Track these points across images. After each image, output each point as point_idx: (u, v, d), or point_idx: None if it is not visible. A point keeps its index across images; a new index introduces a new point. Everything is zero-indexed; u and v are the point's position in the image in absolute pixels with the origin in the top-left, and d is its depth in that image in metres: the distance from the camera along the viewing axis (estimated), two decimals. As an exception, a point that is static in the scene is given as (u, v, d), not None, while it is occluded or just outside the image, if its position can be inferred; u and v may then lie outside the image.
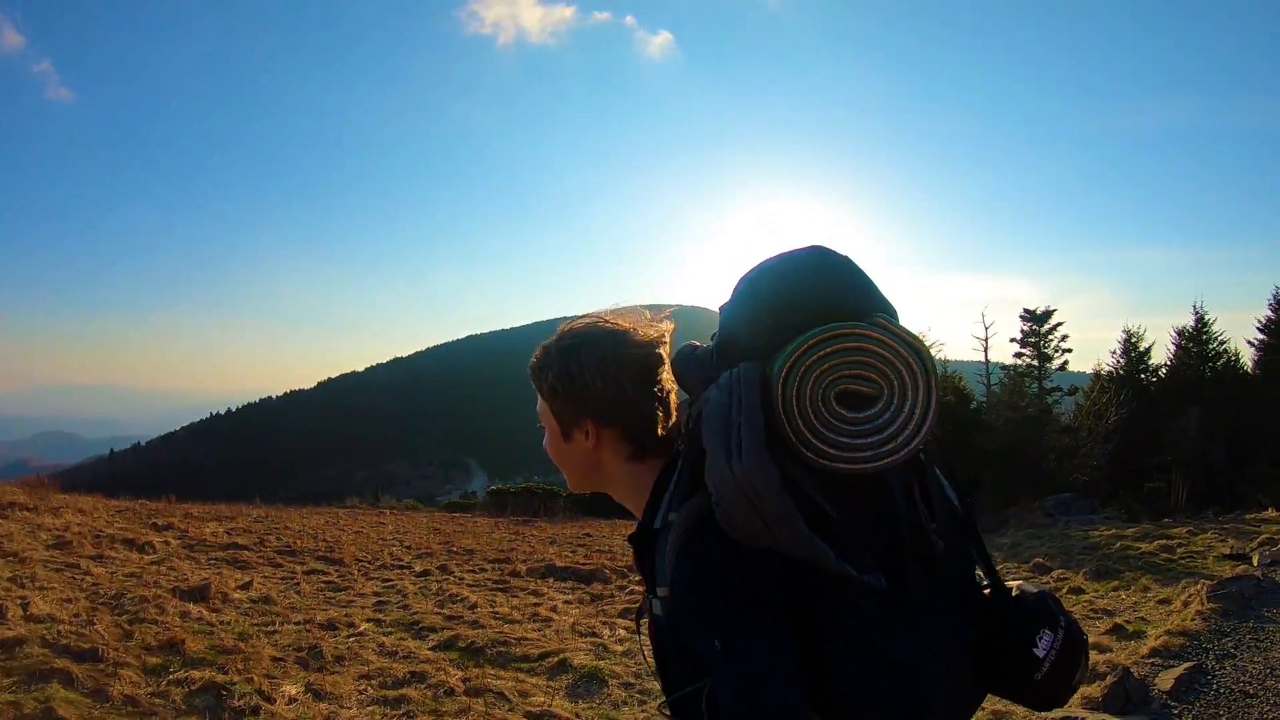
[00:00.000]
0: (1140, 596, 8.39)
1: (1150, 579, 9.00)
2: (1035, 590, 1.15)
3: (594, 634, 7.53)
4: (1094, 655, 5.84)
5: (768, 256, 1.16)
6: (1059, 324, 25.95)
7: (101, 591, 7.91)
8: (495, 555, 13.20)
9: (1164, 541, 11.12)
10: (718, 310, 1.18)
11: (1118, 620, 7.29)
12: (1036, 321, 26.06)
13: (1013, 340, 26.02)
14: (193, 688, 5.34)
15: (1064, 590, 8.99)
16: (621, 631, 7.63)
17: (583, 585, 10.56)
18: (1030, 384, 25.36)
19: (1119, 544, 11.22)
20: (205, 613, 7.55)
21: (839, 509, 1.00)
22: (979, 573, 1.18)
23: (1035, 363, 25.82)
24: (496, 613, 8.31)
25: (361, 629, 7.44)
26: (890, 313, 1.10)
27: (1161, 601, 7.95)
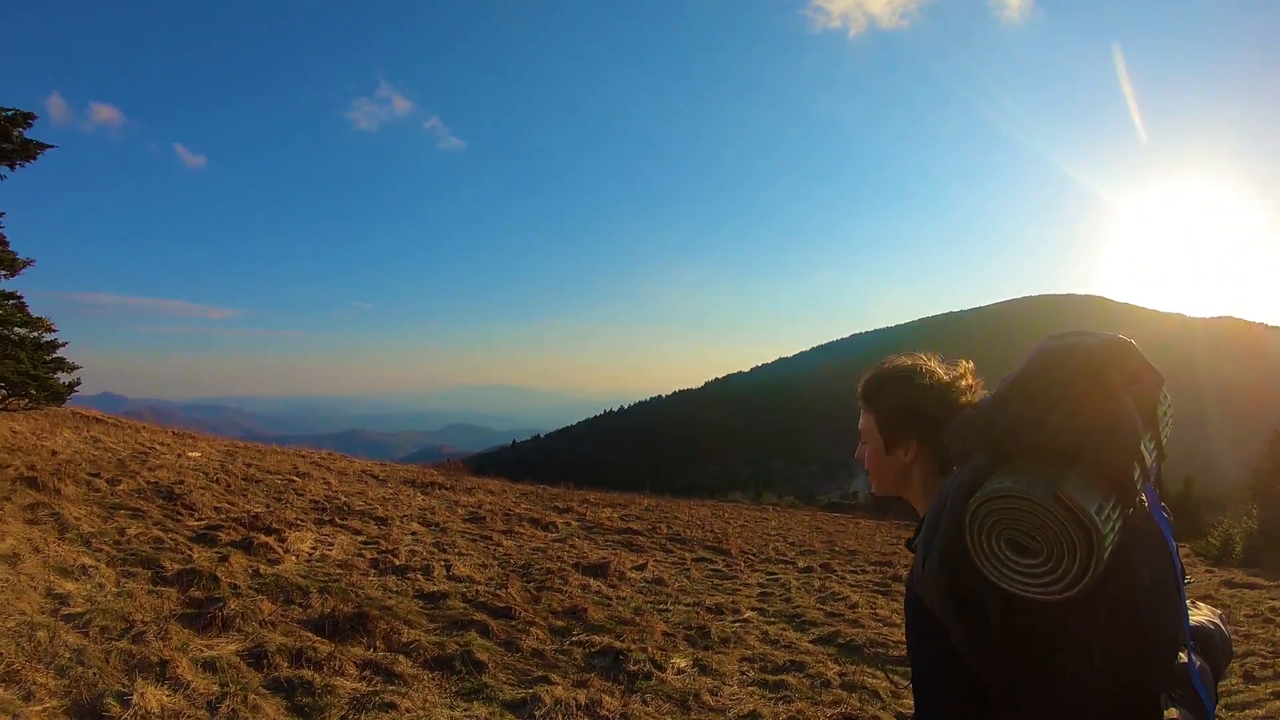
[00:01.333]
0: None
1: None
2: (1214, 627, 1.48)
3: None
4: None
5: (1071, 343, 1.28)
6: None
7: (511, 561, 9.07)
8: (877, 558, 12.69)
9: None
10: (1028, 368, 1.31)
11: None
12: None
13: None
14: (592, 650, 5.86)
15: None
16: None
17: None
18: None
19: None
20: (604, 587, 8.25)
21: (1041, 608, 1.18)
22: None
23: None
24: (877, 614, 8.00)
25: (746, 616, 7.69)
26: (1128, 443, 1.19)
27: None
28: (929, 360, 1.60)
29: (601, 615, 6.82)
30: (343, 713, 4.28)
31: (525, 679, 5.15)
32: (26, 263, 10.59)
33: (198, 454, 14.07)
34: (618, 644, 5.88)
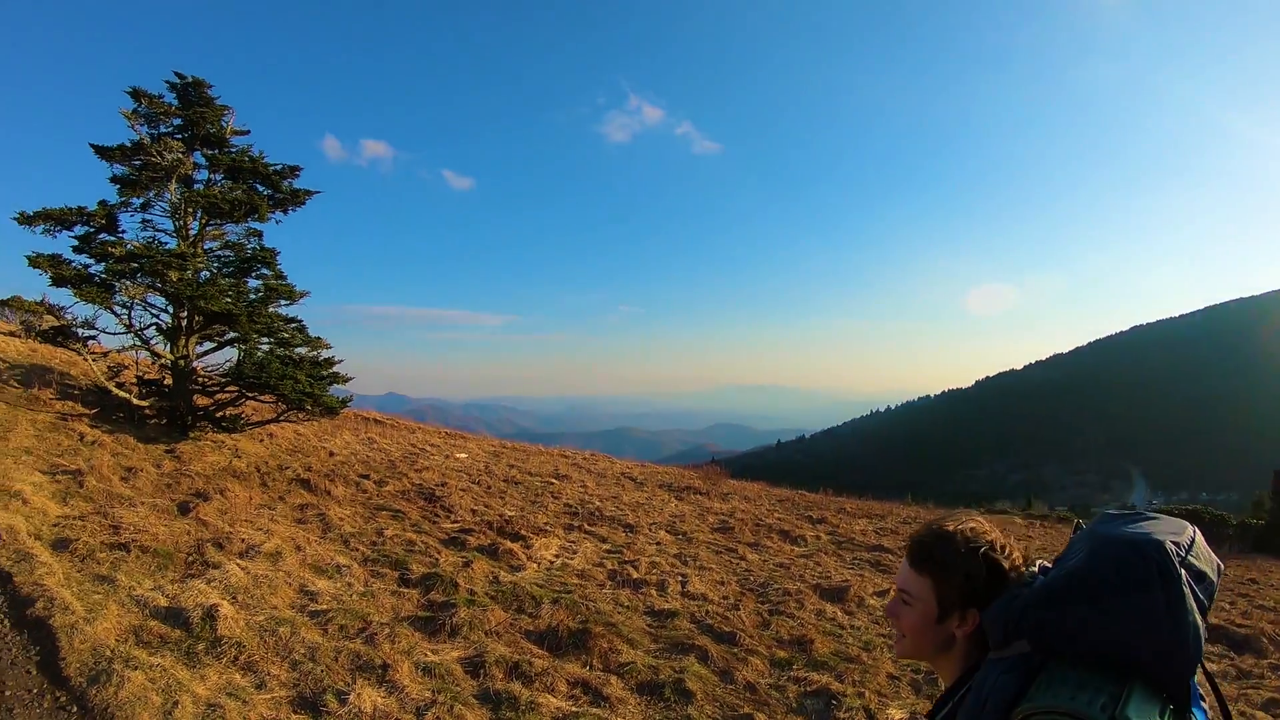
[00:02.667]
0: None
1: None
2: None
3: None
4: None
5: (1138, 538, 1.23)
6: None
7: (751, 578, 8.69)
8: None
9: None
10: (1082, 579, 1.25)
11: None
12: None
13: None
14: (808, 689, 5.38)
15: None
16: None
17: (1231, 653, 7.77)
18: None
19: None
20: (839, 614, 7.66)
21: None
22: None
23: None
24: None
25: None
26: (1196, 658, 1.16)
27: None
28: (994, 530, 1.52)
29: (828, 648, 6.28)
30: (540, 731, 4.24)
31: (730, 715, 4.85)
32: (303, 293, 12.34)
33: (465, 455, 15.32)
34: (835, 685, 5.39)
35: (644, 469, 19.01)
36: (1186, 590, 1.17)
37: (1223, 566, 1.28)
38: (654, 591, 7.52)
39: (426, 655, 5.10)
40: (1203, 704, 1.27)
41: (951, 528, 1.50)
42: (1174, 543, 1.21)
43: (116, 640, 4.53)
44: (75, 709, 3.80)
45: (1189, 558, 1.22)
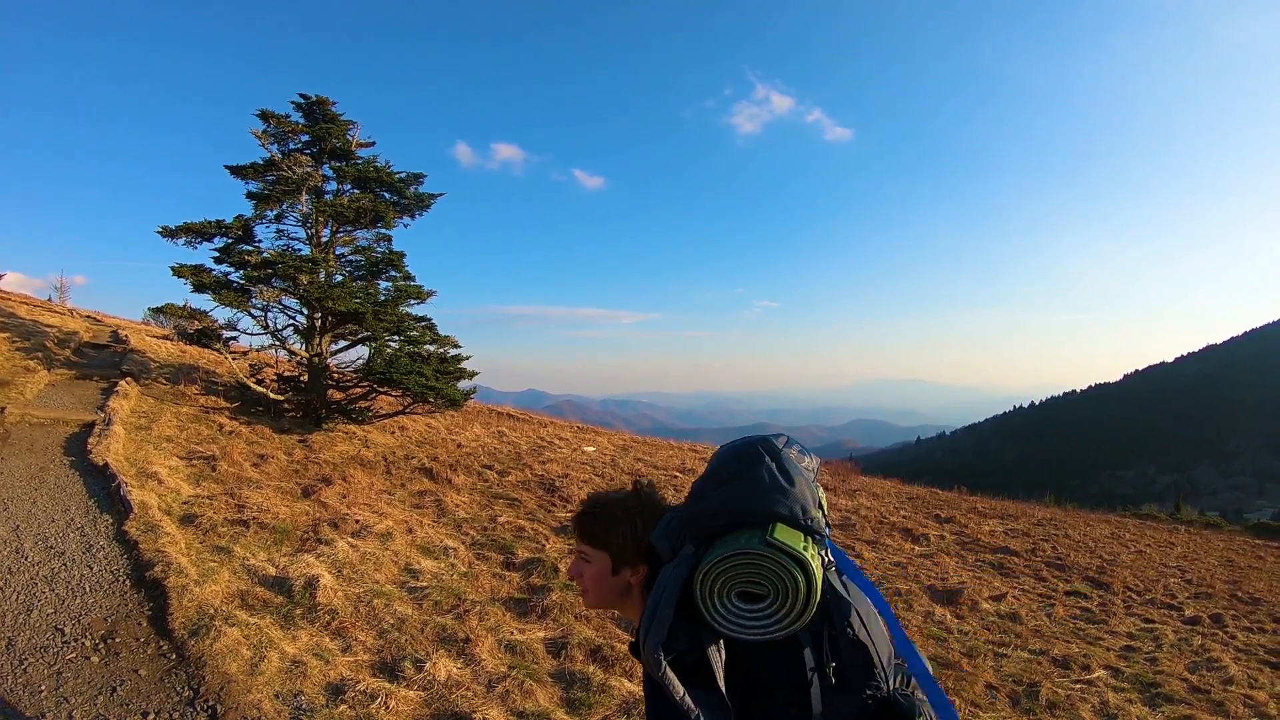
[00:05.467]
0: None
1: None
2: (912, 710, 1.58)
3: None
4: None
5: (731, 449, 1.71)
6: None
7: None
8: None
9: None
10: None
11: None
12: None
13: None
14: (901, 695, 5.04)
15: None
16: None
17: None
18: None
19: None
20: (949, 617, 7.31)
21: (759, 655, 1.53)
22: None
23: None
24: (1251, 698, 5.99)
25: (1094, 675, 6.21)
26: (803, 504, 1.59)
27: None
28: (652, 493, 1.83)
29: (926, 654, 5.92)
30: (606, 714, 4.22)
31: None
32: (430, 293, 13.01)
33: (593, 449, 15.56)
34: None
35: (774, 463, 18.76)
36: (791, 458, 1.66)
37: (815, 466, 1.76)
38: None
39: (512, 634, 5.18)
40: (853, 561, 1.74)
41: (605, 499, 1.81)
42: (774, 437, 1.72)
43: (222, 601, 4.87)
44: (175, 656, 4.12)
45: (786, 449, 1.69)
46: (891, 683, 1.62)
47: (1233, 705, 5.87)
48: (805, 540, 1.53)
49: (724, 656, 1.52)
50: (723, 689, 1.48)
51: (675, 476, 13.51)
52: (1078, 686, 5.96)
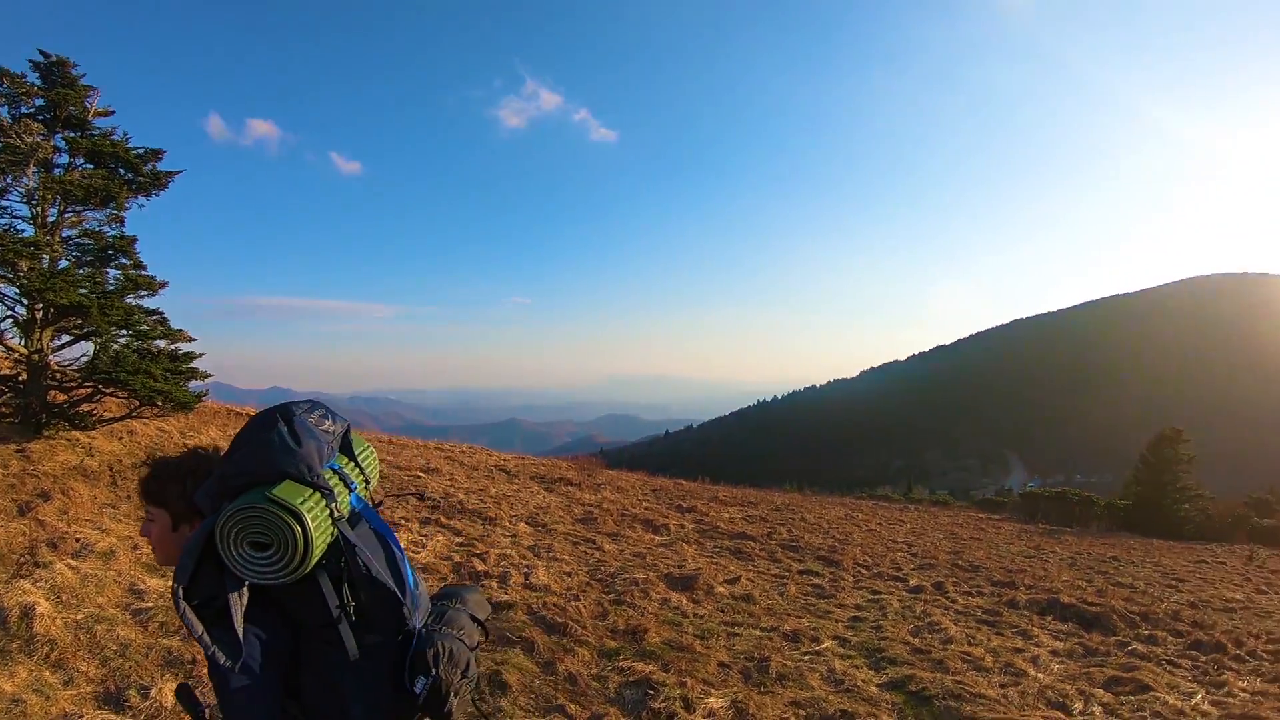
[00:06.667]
0: None
1: None
2: (429, 641, 1.93)
3: (1063, 706, 5.87)
4: None
5: (257, 416, 1.89)
6: None
7: (603, 568, 8.92)
8: (1001, 576, 11.50)
9: None
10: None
11: None
12: None
13: None
14: (630, 679, 5.56)
15: None
16: (1097, 709, 5.82)
17: (1081, 632, 8.41)
18: None
19: None
20: (685, 603, 7.90)
21: (292, 599, 1.78)
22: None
23: None
24: (968, 654, 7.02)
25: (823, 646, 6.90)
26: (308, 463, 1.81)
27: None
28: (210, 455, 2.06)
29: (660, 638, 6.46)
30: None
31: (543, 708, 5.00)
32: (162, 284, 11.94)
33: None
34: (658, 674, 5.55)
35: (520, 461, 18.96)
36: (310, 422, 1.88)
37: (338, 430, 1.99)
38: (495, 584, 7.59)
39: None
40: (376, 512, 2.00)
41: (161, 461, 2.02)
42: (296, 403, 1.93)
43: (-75, 643, 4.47)
44: None
45: (307, 415, 1.91)
46: (417, 621, 1.95)
47: (952, 662, 6.67)
48: (309, 495, 1.74)
49: (245, 601, 1.69)
50: (239, 629, 1.66)
51: (419, 477, 13.50)
52: (807, 658, 6.56)
